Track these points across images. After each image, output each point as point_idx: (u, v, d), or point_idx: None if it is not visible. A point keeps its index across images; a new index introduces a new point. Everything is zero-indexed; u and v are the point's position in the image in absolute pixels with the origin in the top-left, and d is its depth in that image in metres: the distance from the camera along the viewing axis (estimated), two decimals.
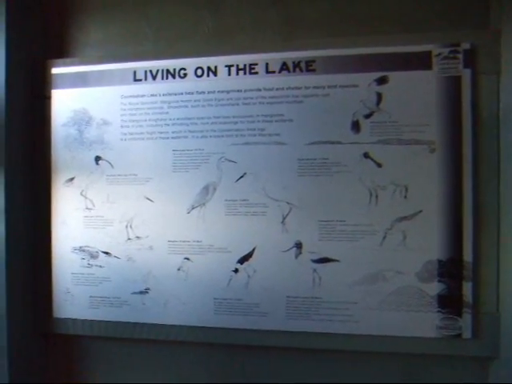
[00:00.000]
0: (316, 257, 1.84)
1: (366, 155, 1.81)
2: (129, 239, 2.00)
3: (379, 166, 1.81)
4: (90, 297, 2.06)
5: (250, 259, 1.89)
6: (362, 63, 1.82)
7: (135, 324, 2.01)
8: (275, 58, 1.89)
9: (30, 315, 2.10)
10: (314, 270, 1.85)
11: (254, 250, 1.88)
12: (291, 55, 1.88)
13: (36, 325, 2.11)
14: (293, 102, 1.88)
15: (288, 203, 1.85)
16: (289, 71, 1.88)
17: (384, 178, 1.79)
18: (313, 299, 1.86)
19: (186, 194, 1.95)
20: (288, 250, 1.86)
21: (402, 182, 1.79)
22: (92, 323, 2.06)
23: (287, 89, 1.88)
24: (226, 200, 1.91)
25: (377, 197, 1.80)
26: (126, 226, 2.01)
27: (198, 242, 1.94)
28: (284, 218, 1.86)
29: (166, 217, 1.96)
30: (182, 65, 1.98)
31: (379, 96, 1.81)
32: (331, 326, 1.85)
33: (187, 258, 1.96)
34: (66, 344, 2.14)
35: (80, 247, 2.07)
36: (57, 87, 2.12)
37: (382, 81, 1.82)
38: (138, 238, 1.99)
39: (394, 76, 1.80)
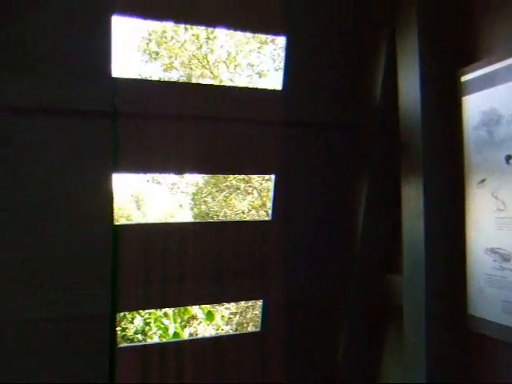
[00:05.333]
0: None
1: None
2: None
3: None
4: (504, 301, 1.61)
5: None
6: None
7: None
8: None
9: (446, 311, 1.84)
10: None
11: None
12: None
13: (452, 320, 1.82)
14: None
15: None
16: None
17: None
18: None
19: None
20: None
21: None
22: (504, 329, 1.60)
23: None
24: None
25: None
26: None
27: None
28: None
29: None
30: None
31: None
32: None
33: None
34: (483, 343, 1.77)
35: (492, 249, 1.68)
36: (466, 94, 1.79)
37: None
38: None
39: None
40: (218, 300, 3.30)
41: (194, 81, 8.77)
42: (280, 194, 2.60)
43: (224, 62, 8.82)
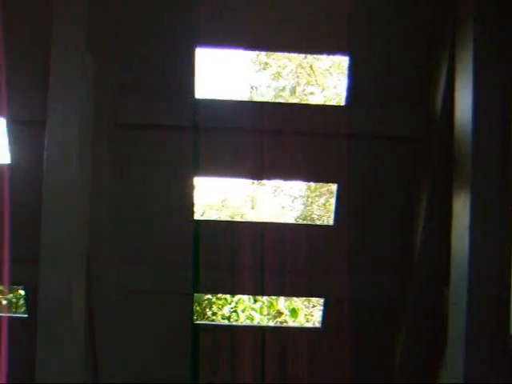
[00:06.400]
0: None
1: None
2: None
3: None
4: None
5: None
6: None
7: None
8: None
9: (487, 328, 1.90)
10: None
11: None
12: None
13: (494, 339, 1.89)
14: None
15: None
16: None
17: None
18: None
19: None
20: None
21: None
22: None
23: None
24: None
25: None
26: None
27: None
28: None
29: None
30: None
31: None
32: None
33: None
34: None
35: None
36: None
37: None
38: None
39: None
40: (280, 293, 3.58)
41: (299, 89, 9.11)
42: (342, 202, 2.80)
43: (328, 69, 9.00)
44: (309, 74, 8.88)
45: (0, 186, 2.57)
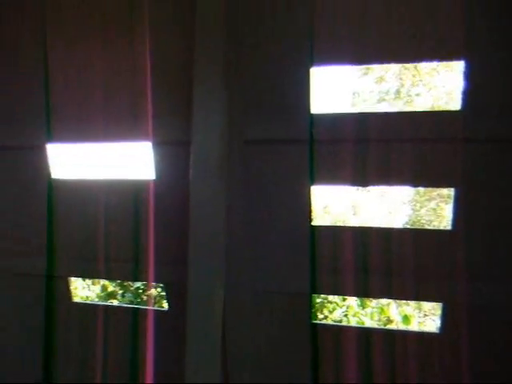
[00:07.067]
0: None
1: None
2: None
3: None
4: None
5: None
6: None
7: None
8: None
9: None
10: None
11: None
12: None
13: None
14: None
15: None
16: None
17: None
18: None
19: None
20: None
21: None
22: None
23: None
24: None
25: None
26: None
27: None
28: None
29: None
30: None
31: None
32: None
33: None
34: None
35: None
36: None
37: None
38: None
39: None
40: (398, 297, 3.59)
41: (404, 90, 8.88)
42: (461, 206, 2.79)
43: (435, 68, 8.63)
44: (413, 75, 8.61)
45: (146, 198, 3.05)
